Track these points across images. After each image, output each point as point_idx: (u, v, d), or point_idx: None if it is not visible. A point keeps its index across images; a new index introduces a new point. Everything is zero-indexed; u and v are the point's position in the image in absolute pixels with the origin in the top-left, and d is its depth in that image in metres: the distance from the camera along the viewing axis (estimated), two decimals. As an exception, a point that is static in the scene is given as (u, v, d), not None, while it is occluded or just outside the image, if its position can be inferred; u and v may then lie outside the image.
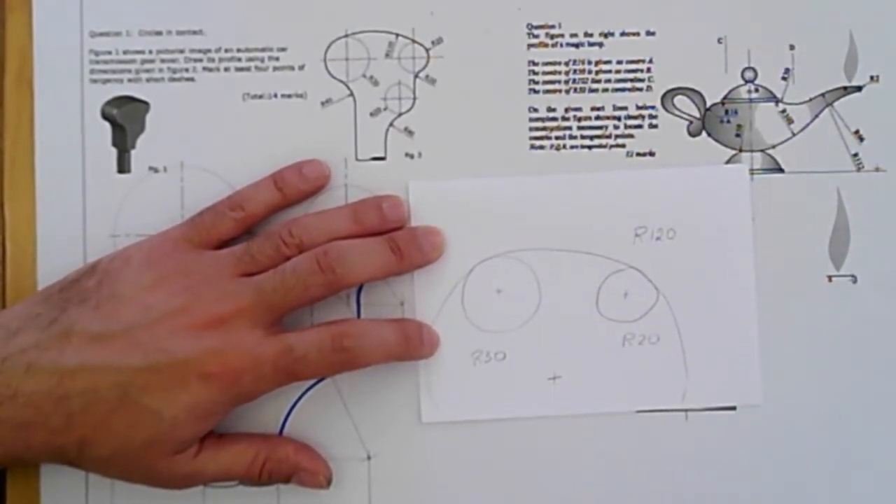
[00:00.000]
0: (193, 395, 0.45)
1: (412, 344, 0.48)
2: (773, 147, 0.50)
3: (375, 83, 0.50)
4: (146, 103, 0.50)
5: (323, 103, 0.50)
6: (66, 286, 0.47)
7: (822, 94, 0.50)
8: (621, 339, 0.49)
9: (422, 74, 0.50)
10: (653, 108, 0.50)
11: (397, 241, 0.48)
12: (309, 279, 0.46)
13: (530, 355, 0.49)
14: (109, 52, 0.50)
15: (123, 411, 0.44)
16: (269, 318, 0.46)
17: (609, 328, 0.49)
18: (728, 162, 0.49)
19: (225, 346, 0.45)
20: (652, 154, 0.50)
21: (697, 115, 0.50)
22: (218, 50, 0.50)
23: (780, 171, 0.50)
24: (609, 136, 0.50)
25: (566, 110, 0.50)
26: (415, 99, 0.50)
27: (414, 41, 0.50)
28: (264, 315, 0.46)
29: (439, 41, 0.50)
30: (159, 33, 0.50)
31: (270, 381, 0.46)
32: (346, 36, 0.50)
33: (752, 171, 0.50)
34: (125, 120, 0.50)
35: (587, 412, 0.49)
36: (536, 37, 0.50)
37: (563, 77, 0.50)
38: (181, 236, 0.48)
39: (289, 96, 0.50)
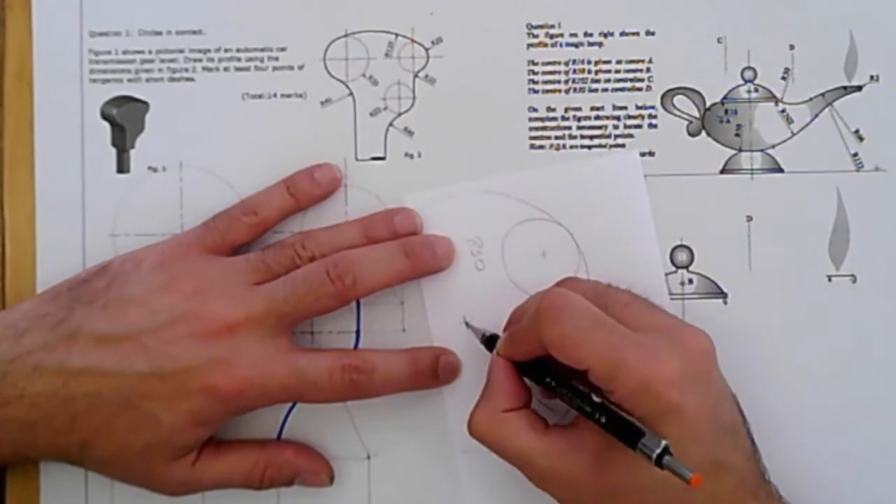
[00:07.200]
0: (195, 403, 0.45)
1: (423, 376, 0.48)
2: (773, 147, 0.50)
3: (375, 83, 0.50)
4: (145, 103, 0.50)
5: (322, 103, 0.50)
6: (75, 285, 0.47)
7: (822, 94, 0.50)
8: None
9: (421, 74, 0.50)
10: (652, 107, 0.50)
11: (413, 244, 0.48)
12: (320, 289, 0.46)
13: None
14: (109, 52, 0.50)
15: (125, 415, 0.44)
16: (279, 328, 0.46)
17: None
18: (728, 161, 0.49)
19: (232, 358, 0.45)
20: (652, 154, 0.50)
21: (697, 114, 0.50)
22: (217, 50, 0.50)
23: (780, 170, 0.49)
24: (609, 136, 0.50)
25: (566, 110, 0.50)
26: (414, 99, 0.50)
27: (413, 41, 0.50)
28: (274, 325, 0.45)
29: (439, 41, 0.50)
30: (159, 33, 0.50)
31: (275, 398, 0.46)
32: (346, 36, 0.50)
33: (751, 171, 0.50)
34: (124, 120, 0.50)
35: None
36: (536, 37, 0.50)
37: (562, 77, 0.50)
38: (195, 241, 0.48)
39: (288, 96, 0.50)
